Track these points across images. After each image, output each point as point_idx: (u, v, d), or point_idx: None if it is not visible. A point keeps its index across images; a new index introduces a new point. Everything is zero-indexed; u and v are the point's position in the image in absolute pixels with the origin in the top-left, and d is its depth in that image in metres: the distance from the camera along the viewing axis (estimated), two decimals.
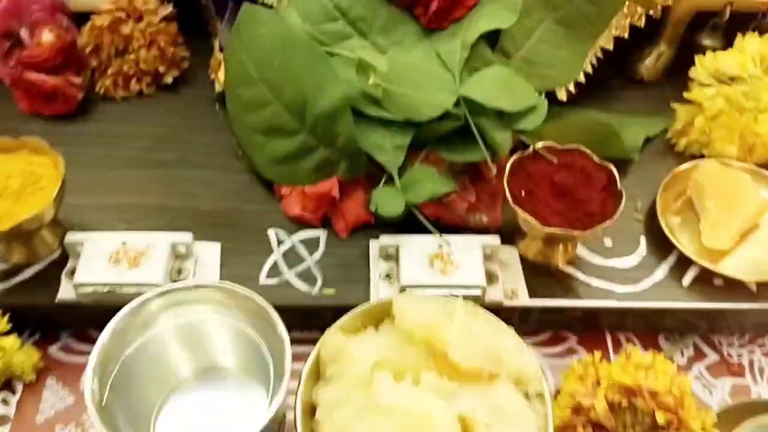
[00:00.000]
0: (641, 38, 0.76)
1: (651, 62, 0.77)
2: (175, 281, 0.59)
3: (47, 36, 0.70)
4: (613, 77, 0.79)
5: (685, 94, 0.70)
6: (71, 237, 0.60)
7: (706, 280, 0.63)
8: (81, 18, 0.74)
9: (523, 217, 0.58)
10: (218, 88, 0.72)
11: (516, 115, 0.62)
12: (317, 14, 0.63)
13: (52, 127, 0.72)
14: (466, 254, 0.59)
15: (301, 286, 0.61)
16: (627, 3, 0.71)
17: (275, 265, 0.63)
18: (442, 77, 0.63)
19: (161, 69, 0.74)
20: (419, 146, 0.63)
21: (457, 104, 0.61)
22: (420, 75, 0.63)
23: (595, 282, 0.62)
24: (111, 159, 0.69)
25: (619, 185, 0.60)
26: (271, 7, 0.68)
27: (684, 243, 0.64)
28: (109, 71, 0.73)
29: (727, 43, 0.75)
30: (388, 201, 0.61)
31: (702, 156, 0.71)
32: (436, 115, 0.61)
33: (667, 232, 0.64)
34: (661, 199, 0.66)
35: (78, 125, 0.72)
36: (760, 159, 0.70)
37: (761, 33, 0.74)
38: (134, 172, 0.68)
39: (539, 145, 0.62)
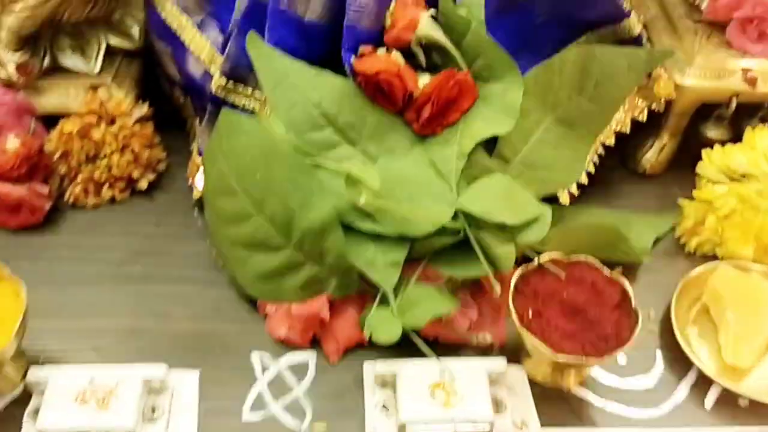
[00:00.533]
0: (643, 129, 0.73)
1: (653, 154, 0.74)
2: (149, 421, 0.54)
3: (12, 142, 0.65)
4: (614, 170, 0.75)
5: (695, 193, 0.67)
6: (34, 374, 0.54)
7: (730, 400, 0.58)
8: (50, 119, 0.70)
9: (532, 343, 0.53)
10: (197, 193, 0.67)
11: (518, 227, 0.57)
12: (303, 122, 0.59)
13: (16, 240, 0.66)
14: (471, 383, 0.54)
15: (288, 421, 0.56)
16: (628, 98, 0.68)
17: (260, 397, 0.57)
18: (438, 187, 0.58)
19: (135, 174, 0.69)
20: (415, 260, 0.59)
21: (455, 217, 0.57)
22: (414, 185, 0.58)
23: (611, 407, 0.57)
24: (80, 275, 0.64)
25: (633, 302, 0.56)
26: (252, 112, 0.64)
27: (704, 358, 0.59)
28: (79, 178, 0.68)
29: (733, 134, 0.72)
30: (383, 326, 0.56)
31: (714, 256, 0.67)
32: (433, 230, 0.56)
33: (684, 347, 0.59)
34: (675, 308, 0.61)
35: (45, 237, 0.67)
36: None
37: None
38: (105, 290, 0.63)
39: (544, 258, 0.58)
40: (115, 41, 0.72)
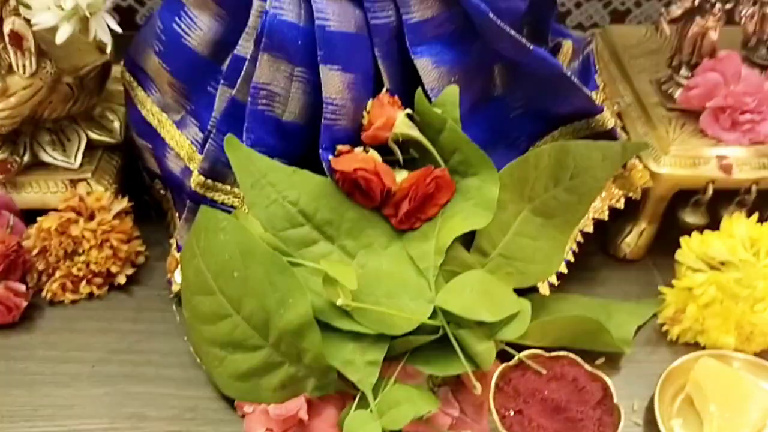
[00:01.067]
0: (622, 214, 0.73)
1: (633, 240, 0.74)
2: None
3: None
4: (595, 255, 0.75)
5: (674, 281, 0.67)
6: None
7: None
8: (29, 213, 0.70)
9: None
10: (175, 288, 0.67)
11: (498, 324, 0.57)
12: (280, 220, 0.59)
13: None
14: None
15: None
16: (605, 187, 0.68)
17: None
18: (416, 284, 0.58)
19: (114, 269, 0.68)
20: (394, 358, 0.58)
21: (433, 314, 0.57)
22: (392, 282, 0.58)
23: None
24: (55, 376, 0.63)
25: (615, 398, 0.55)
26: (232, 207, 0.64)
27: None
28: (57, 274, 0.67)
29: (712, 219, 0.73)
30: (362, 427, 0.54)
31: (698, 344, 0.67)
32: (412, 329, 0.56)
33: None
34: (659, 399, 0.61)
35: (21, 336, 0.66)
36: (760, 348, 0.65)
37: (744, 208, 0.71)
38: (80, 392, 0.62)
39: (525, 354, 0.57)
40: (96, 136, 0.73)
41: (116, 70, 0.75)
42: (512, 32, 0.59)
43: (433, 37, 0.61)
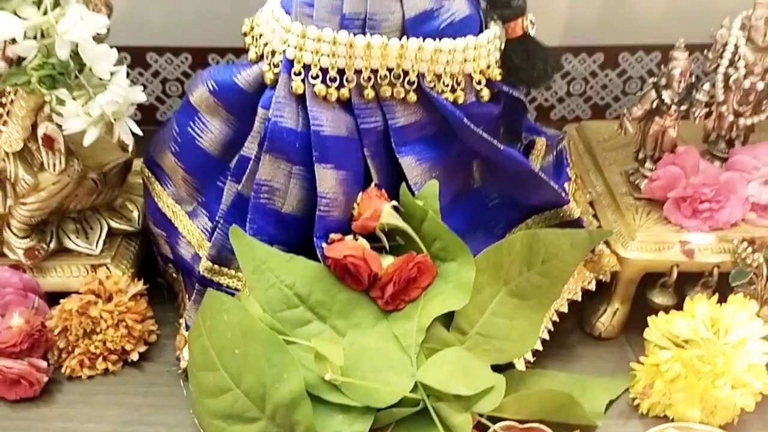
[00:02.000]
0: (597, 294, 0.79)
1: (607, 319, 0.80)
2: None
3: (17, 320, 0.72)
4: (572, 332, 0.81)
5: (642, 358, 0.72)
6: None
7: None
8: (53, 295, 0.77)
9: None
10: (183, 364, 0.73)
11: (474, 397, 0.62)
12: (278, 302, 0.66)
13: (12, 411, 0.71)
14: None
15: None
16: (577, 270, 0.75)
17: None
18: (400, 360, 0.64)
19: (128, 347, 0.75)
20: (380, 428, 0.63)
21: (415, 388, 0.62)
22: (378, 358, 0.64)
23: None
24: None
25: None
26: (236, 290, 0.70)
27: None
28: (76, 351, 0.74)
29: (679, 300, 0.78)
30: None
31: (666, 417, 0.71)
32: (395, 402, 0.61)
33: None
34: None
35: (40, 409, 0.72)
36: (724, 420, 0.70)
37: (709, 289, 0.77)
38: None
39: (499, 426, 0.62)
40: (117, 224, 0.80)
41: (136, 163, 0.83)
42: (484, 135, 0.67)
43: (416, 138, 0.68)
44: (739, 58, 0.75)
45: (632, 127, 0.78)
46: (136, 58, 1.04)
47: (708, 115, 0.78)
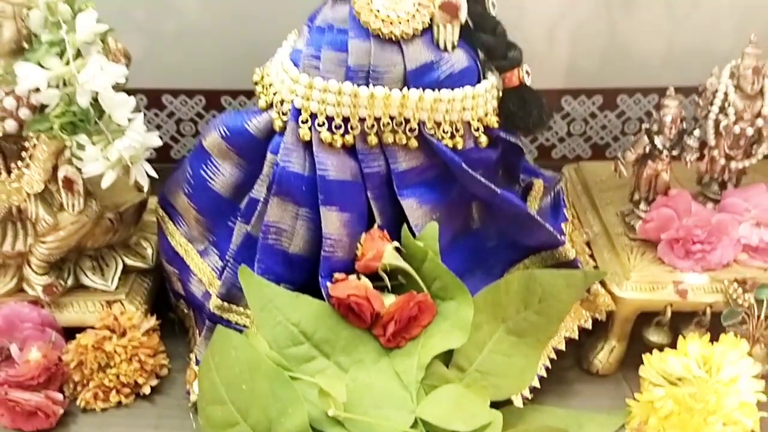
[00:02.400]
0: (595, 332, 0.81)
1: (604, 356, 0.82)
2: None
3: (35, 354, 0.75)
4: (570, 369, 0.83)
5: (637, 395, 0.74)
6: None
7: None
8: (69, 330, 0.80)
9: None
10: (193, 398, 0.76)
11: None
12: (284, 339, 0.69)
13: None
14: None
15: None
16: (573, 308, 0.77)
17: None
18: (400, 396, 0.67)
19: (140, 381, 0.78)
20: None
21: (415, 424, 0.65)
22: (379, 394, 0.67)
23: None
24: None
25: None
26: (244, 327, 0.73)
27: None
28: (91, 385, 0.77)
29: (674, 338, 0.80)
30: None
31: None
32: None
33: None
34: None
35: None
36: None
37: (703, 328, 0.79)
38: None
39: None
40: (131, 262, 0.84)
41: (151, 202, 0.87)
42: (482, 179, 0.70)
43: (417, 181, 0.72)
44: (729, 105, 0.78)
45: (627, 170, 0.81)
46: (152, 99, 1.08)
47: (700, 158, 0.81)
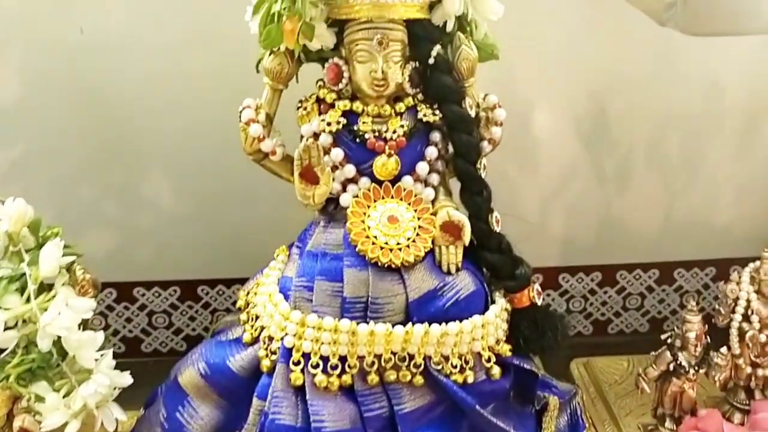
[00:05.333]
0: None
1: None
2: None
3: None
4: None
5: None
6: None
7: None
8: None
9: None
10: None
11: None
12: None
13: None
14: None
15: None
16: None
17: None
18: None
19: None
20: None
21: None
22: None
23: None
24: None
25: None
26: None
27: None
28: None
29: None
30: None
31: None
32: None
33: None
34: None
35: None
36: None
37: None
38: None
39: None
40: None
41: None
42: (497, 422, 0.63)
43: (424, 423, 0.64)
44: (752, 313, 0.73)
45: (649, 387, 0.74)
46: (122, 292, 1.00)
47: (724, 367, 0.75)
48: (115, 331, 1.00)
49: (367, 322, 0.61)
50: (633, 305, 1.08)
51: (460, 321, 0.63)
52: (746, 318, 0.73)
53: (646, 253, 1.05)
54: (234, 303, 0.96)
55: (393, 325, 0.61)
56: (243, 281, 0.98)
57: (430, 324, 0.62)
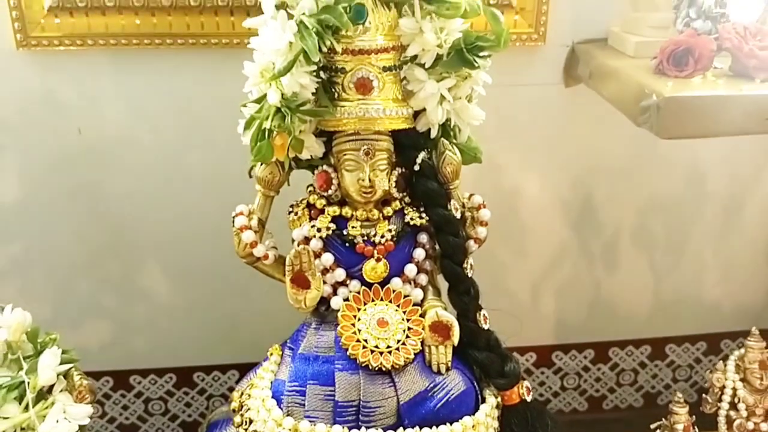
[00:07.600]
0: None
1: None
2: None
3: None
4: None
5: None
6: None
7: None
8: None
9: None
10: None
11: None
12: None
13: None
14: None
15: None
16: None
17: None
18: None
19: None
20: None
21: None
22: None
23: None
24: None
25: None
26: None
27: None
28: None
29: None
30: None
31: None
32: None
33: None
34: None
35: None
36: None
37: None
38: None
39: None
40: None
41: None
42: None
43: None
44: (739, 401, 0.74)
45: None
46: (118, 380, 1.00)
47: None
48: (111, 419, 1.01)
49: (359, 427, 0.62)
50: (626, 381, 1.09)
51: (451, 423, 0.64)
52: (733, 406, 0.74)
53: (637, 329, 1.06)
54: (230, 389, 0.98)
55: (385, 431, 0.62)
56: (238, 366, 1.00)
57: (421, 428, 0.63)
